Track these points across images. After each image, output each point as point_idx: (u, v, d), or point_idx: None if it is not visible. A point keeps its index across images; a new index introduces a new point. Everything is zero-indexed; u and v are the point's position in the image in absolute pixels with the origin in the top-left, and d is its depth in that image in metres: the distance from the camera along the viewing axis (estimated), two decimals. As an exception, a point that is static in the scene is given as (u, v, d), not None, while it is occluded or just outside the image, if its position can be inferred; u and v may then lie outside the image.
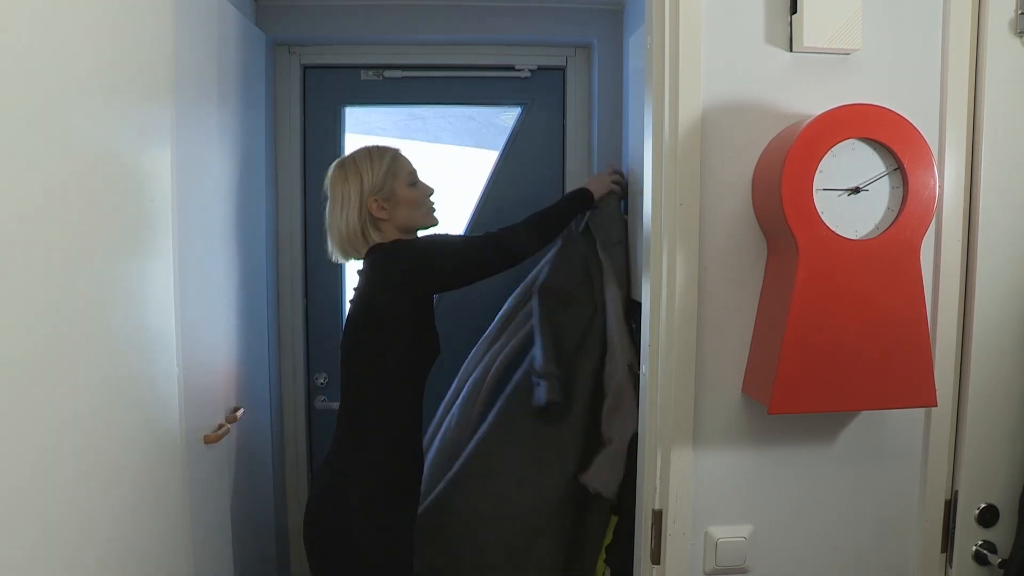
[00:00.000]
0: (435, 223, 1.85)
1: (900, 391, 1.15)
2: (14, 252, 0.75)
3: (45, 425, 0.81)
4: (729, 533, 1.27)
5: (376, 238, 1.77)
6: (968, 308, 1.27)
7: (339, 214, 1.77)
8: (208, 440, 1.61)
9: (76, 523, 0.88)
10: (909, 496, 1.30)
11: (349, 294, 1.86)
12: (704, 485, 1.26)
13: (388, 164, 1.79)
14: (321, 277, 2.54)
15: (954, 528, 1.29)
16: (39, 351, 0.80)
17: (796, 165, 1.10)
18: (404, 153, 1.84)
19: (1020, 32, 1.23)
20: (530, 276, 2.25)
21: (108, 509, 0.97)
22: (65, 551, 0.85)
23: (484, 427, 2.06)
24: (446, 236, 1.86)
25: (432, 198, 1.84)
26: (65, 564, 0.85)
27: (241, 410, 1.85)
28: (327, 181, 1.81)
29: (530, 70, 2.56)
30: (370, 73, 2.54)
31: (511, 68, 2.55)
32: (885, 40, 1.22)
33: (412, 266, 1.71)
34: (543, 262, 2.22)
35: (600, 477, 1.93)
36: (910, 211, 1.12)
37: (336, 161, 1.81)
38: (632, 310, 2.14)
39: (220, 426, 1.69)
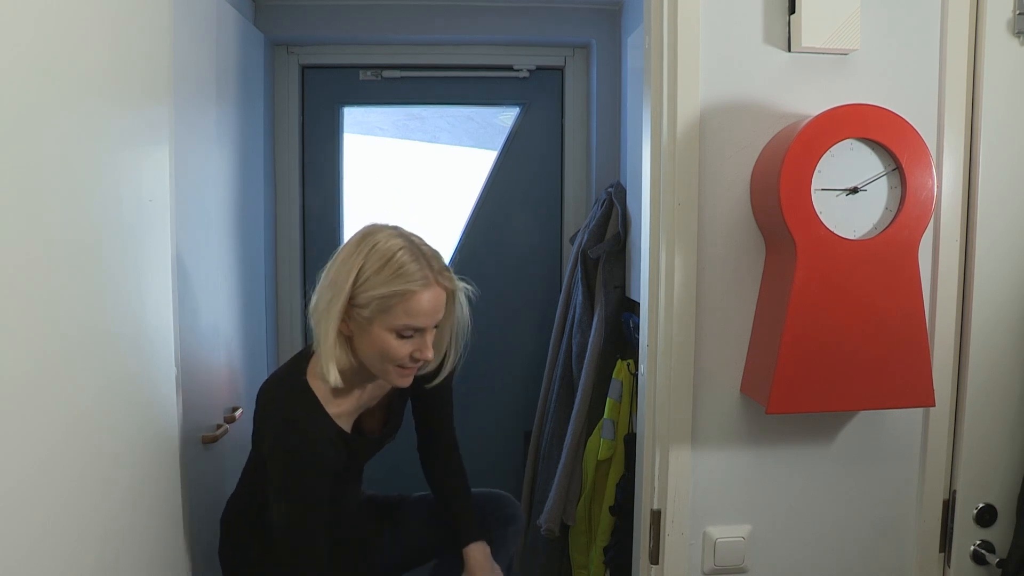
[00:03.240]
0: (398, 384, 1.39)
1: (898, 391, 1.15)
2: (12, 252, 0.75)
3: (43, 425, 0.81)
4: (728, 533, 1.27)
5: (332, 355, 1.32)
6: (966, 308, 1.27)
7: (318, 294, 1.35)
8: (206, 440, 1.61)
9: (74, 523, 0.88)
10: (907, 496, 1.31)
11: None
12: (702, 485, 1.26)
13: (389, 291, 1.29)
14: (320, 277, 2.55)
15: (952, 528, 1.29)
16: (37, 351, 0.80)
17: (794, 165, 1.10)
18: (431, 290, 1.30)
19: (1018, 32, 1.23)
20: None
21: (105, 509, 0.97)
22: (63, 551, 0.85)
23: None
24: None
25: (417, 356, 1.33)
26: (63, 564, 0.85)
27: (240, 410, 1.84)
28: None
29: (528, 70, 2.56)
30: (368, 73, 2.54)
31: (509, 68, 2.55)
32: (883, 40, 1.22)
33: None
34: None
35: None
36: (908, 211, 1.12)
37: (372, 225, 1.37)
38: (630, 308, 2.16)
39: (218, 426, 1.69)
